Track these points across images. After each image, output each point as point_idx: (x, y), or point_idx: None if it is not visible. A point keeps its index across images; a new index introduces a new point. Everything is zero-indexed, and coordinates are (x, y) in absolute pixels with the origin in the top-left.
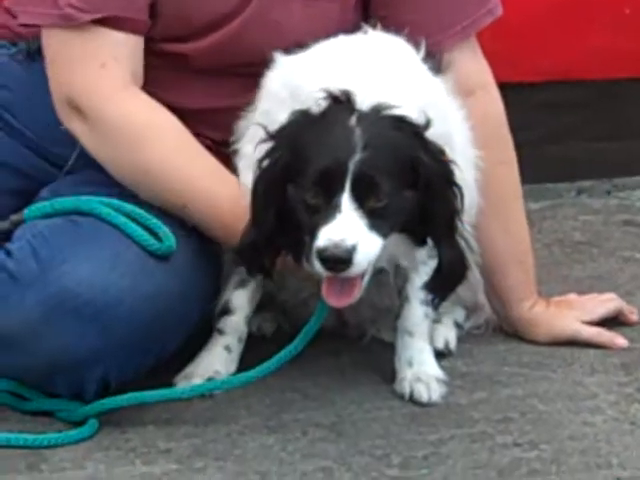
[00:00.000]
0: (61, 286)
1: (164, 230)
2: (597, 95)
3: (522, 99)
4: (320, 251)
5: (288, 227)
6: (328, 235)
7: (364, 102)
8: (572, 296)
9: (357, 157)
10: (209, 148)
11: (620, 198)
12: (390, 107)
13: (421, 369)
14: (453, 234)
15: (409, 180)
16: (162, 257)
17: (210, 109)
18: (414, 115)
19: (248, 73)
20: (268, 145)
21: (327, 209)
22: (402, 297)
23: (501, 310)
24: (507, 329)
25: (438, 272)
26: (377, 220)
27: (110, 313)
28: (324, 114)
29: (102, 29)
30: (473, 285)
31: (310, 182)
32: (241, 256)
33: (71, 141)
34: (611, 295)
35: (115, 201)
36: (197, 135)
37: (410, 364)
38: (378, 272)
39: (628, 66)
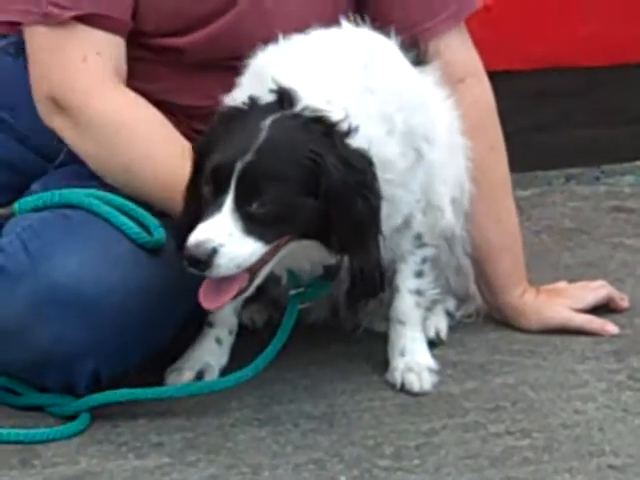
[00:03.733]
0: (51, 279)
1: (155, 223)
2: (585, 82)
3: (510, 87)
4: (185, 249)
5: None
6: (196, 234)
7: (307, 99)
8: (562, 284)
9: (246, 159)
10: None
11: (609, 184)
12: (314, 109)
13: (413, 359)
14: (363, 243)
15: (308, 186)
16: (152, 250)
17: (204, 105)
18: (338, 116)
19: (242, 67)
20: None
21: (214, 206)
22: (392, 287)
23: (491, 298)
24: (497, 317)
25: (351, 281)
26: (257, 225)
27: (100, 306)
28: (250, 111)
29: (83, 26)
30: (464, 274)
31: (205, 177)
32: (174, 235)
33: None
34: (601, 282)
35: (106, 194)
36: (190, 131)
37: (402, 353)
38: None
39: (616, 53)
